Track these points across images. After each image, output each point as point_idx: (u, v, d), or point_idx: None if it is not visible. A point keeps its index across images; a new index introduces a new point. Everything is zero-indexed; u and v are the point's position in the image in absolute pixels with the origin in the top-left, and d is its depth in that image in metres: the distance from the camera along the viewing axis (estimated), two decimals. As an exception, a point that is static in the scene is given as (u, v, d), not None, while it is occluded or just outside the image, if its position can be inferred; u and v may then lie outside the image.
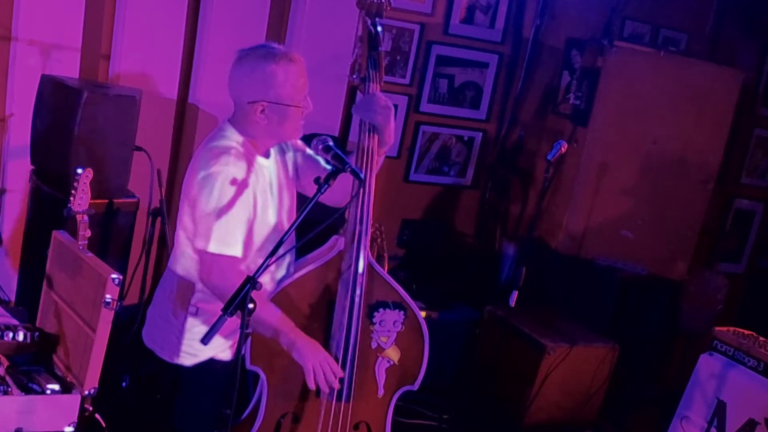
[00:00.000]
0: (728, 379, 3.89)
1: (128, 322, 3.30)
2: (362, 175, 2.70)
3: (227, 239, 2.61)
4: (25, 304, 3.41)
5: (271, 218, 2.77)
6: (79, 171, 2.83)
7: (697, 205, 5.21)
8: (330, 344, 2.79)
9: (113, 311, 2.62)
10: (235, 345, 2.69)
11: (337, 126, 4.95)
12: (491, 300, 4.89)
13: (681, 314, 5.04)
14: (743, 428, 3.80)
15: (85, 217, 2.83)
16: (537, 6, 5.33)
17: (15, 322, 2.91)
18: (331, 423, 2.85)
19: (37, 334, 2.81)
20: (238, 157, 2.64)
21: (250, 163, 2.67)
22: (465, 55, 5.33)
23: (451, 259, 5.51)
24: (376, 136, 2.80)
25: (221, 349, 2.78)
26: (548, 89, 5.38)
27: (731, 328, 4.03)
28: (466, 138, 5.52)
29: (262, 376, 2.79)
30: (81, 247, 2.80)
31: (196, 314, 2.75)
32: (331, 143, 2.62)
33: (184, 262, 2.77)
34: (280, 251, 2.48)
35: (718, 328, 4.05)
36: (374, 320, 2.86)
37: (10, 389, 2.59)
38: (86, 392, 2.67)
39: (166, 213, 3.74)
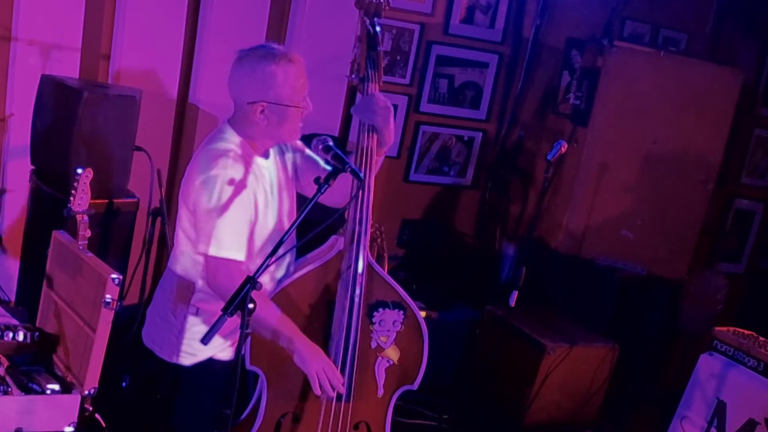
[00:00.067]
0: (728, 379, 3.89)
1: (128, 322, 3.29)
2: (362, 175, 2.70)
3: (230, 242, 2.62)
4: (25, 304, 3.41)
5: (271, 219, 2.77)
6: (79, 171, 2.83)
7: (697, 205, 5.21)
8: (330, 344, 2.80)
9: (113, 311, 2.62)
10: (235, 345, 2.70)
11: (337, 126, 4.95)
12: (491, 300, 4.89)
13: (681, 314, 5.04)
14: (743, 428, 3.80)
15: (85, 217, 2.83)
16: (537, 6, 5.33)
17: (15, 322, 2.91)
18: (331, 423, 2.85)
19: (37, 334, 2.81)
20: (236, 160, 2.64)
21: (249, 165, 2.67)
22: (465, 55, 5.33)
23: (451, 259, 5.51)
24: (375, 136, 2.80)
25: (220, 348, 2.78)
26: (548, 89, 5.39)
27: (731, 328, 4.03)
28: (466, 138, 5.52)
29: (262, 376, 2.79)
30: (81, 247, 2.80)
31: (195, 314, 2.75)
32: (330, 143, 2.62)
33: (183, 262, 2.77)
34: (280, 251, 2.48)
35: (718, 328, 4.05)
36: (374, 320, 2.86)
37: (10, 389, 2.59)
38: (86, 392, 2.67)
39: (166, 213, 3.73)
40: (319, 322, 2.80)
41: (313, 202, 2.44)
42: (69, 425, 2.66)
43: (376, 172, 2.84)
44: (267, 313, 2.63)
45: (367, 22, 2.82)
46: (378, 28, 2.83)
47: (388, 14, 2.88)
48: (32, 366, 2.76)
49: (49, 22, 4.13)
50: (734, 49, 5.54)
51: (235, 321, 2.33)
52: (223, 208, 2.59)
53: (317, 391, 2.70)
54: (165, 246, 3.80)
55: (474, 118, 5.49)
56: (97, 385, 2.68)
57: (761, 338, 3.94)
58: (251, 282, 2.30)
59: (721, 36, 5.55)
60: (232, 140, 2.69)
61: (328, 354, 2.77)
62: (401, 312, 2.89)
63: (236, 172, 2.62)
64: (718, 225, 5.87)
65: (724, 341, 3.96)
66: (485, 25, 5.34)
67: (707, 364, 4.00)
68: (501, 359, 4.58)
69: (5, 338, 2.73)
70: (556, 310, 4.97)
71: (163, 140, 4.53)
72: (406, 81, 5.21)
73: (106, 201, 3.72)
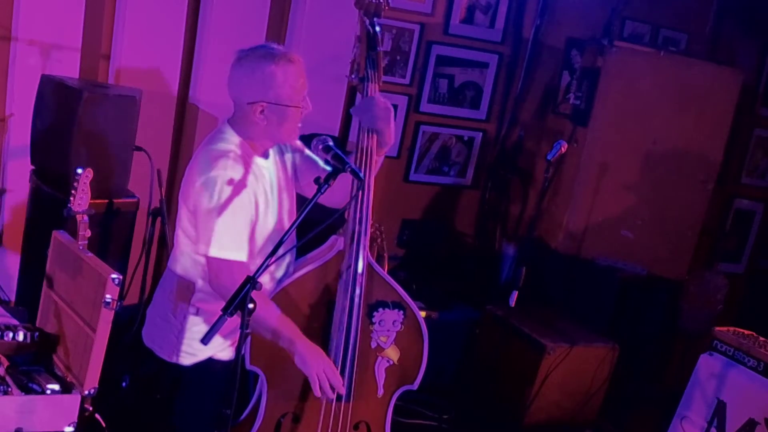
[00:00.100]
0: (728, 379, 3.89)
1: (128, 322, 3.29)
2: (362, 175, 2.70)
3: (232, 243, 2.62)
4: (25, 304, 3.41)
5: (271, 219, 2.77)
6: (79, 171, 2.83)
7: (697, 205, 5.21)
8: (330, 344, 2.80)
9: (113, 311, 2.62)
10: (235, 344, 2.70)
11: (337, 126, 4.95)
12: (491, 300, 4.89)
13: (681, 314, 5.04)
14: (743, 428, 3.80)
15: (85, 217, 2.83)
16: (537, 6, 5.33)
17: (15, 322, 2.91)
18: (331, 423, 2.85)
19: (37, 334, 2.81)
20: (236, 161, 2.64)
21: (248, 165, 2.67)
22: (465, 55, 5.33)
23: (451, 259, 5.51)
24: (375, 136, 2.80)
25: (220, 348, 2.78)
26: (548, 89, 5.39)
27: (731, 328, 4.03)
28: (466, 138, 5.52)
29: (262, 376, 2.79)
30: (81, 247, 2.80)
31: (196, 314, 2.76)
32: (330, 143, 2.62)
33: (183, 261, 2.77)
34: (280, 251, 2.48)
35: (718, 328, 4.05)
36: (374, 320, 2.86)
37: (10, 389, 2.59)
38: (86, 392, 2.67)
39: (166, 213, 3.73)
40: (319, 322, 2.80)
41: (313, 202, 2.44)
42: (69, 425, 2.66)
43: (376, 172, 2.84)
44: (267, 313, 2.63)
45: (367, 22, 2.82)
46: (378, 28, 2.83)
47: (387, 14, 2.88)
48: (32, 366, 2.76)
49: (49, 22, 4.13)
50: (734, 49, 5.54)
51: (235, 321, 2.33)
52: (224, 208, 2.59)
53: (317, 393, 2.70)
54: (165, 246, 3.80)
55: (474, 118, 5.49)
56: (97, 385, 2.68)
57: (761, 338, 3.94)
58: (251, 282, 2.30)
59: (721, 36, 5.55)
60: (231, 140, 2.69)
61: (328, 354, 2.76)
62: (401, 312, 2.89)
63: (236, 172, 2.62)
64: (718, 225, 5.87)
65: (724, 341, 3.96)
66: (485, 25, 5.34)
67: (707, 364, 4.00)
68: (501, 359, 4.58)
69: (5, 338, 2.73)
70: (556, 310, 4.97)
71: (163, 140, 4.53)
72: (406, 81, 5.21)
73: (106, 201, 3.72)
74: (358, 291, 2.78)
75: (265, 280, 2.69)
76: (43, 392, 2.63)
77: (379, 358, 2.91)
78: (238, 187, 2.61)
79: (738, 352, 3.90)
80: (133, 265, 3.78)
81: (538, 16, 5.35)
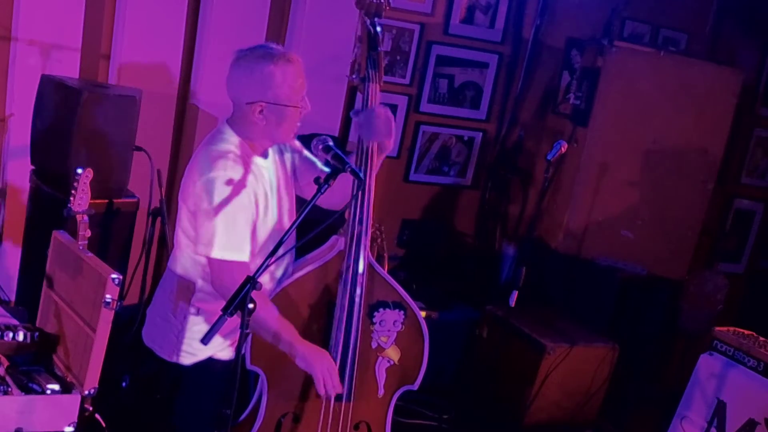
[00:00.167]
0: (728, 379, 3.89)
1: (128, 322, 3.29)
2: (362, 175, 2.70)
3: (233, 244, 2.62)
4: (25, 304, 3.40)
5: (271, 218, 2.77)
6: (79, 171, 2.83)
7: (697, 205, 5.20)
8: (330, 344, 2.80)
9: (113, 311, 2.62)
10: (235, 344, 2.70)
11: (337, 126, 4.95)
12: (491, 300, 4.89)
13: (681, 314, 5.04)
14: (743, 428, 3.80)
15: (85, 217, 2.83)
16: (537, 6, 5.33)
17: (15, 322, 2.91)
18: (331, 423, 2.85)
19: (37, 334, 2.81)
20: (236, 161, 2.64)
21: (248, 165, 2.67)
22: (465, 55, 5.33)
23: (451, 259, 5.51)
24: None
25: (220, 348, 2.78)
26: (548, 89, 5.38)
27: (731, 328, 4.02)
28: (466, 138, 5.52)
29: (263, 375, 2.79)
30: (81, 247, 2.80)
31: (196, 314, 2.76)
32: (331, 143, 2.62)
33: (183, 262, 2.77)
34: (280, 251, 2.48)
35: (718, 328, 4.05)
36: (374, 320, 2.86)
37: (10, 389, 2.59)
38: (86, 392, 2.67)
39: (166, 213, 3.74)
40: (319, 323, 2.80)
41: (314, 201, 2.44)
42: (69, 425, 2.66)
43: (376, 172, 2.83)
44: (267, 314, 2.63)
45: (368, 22, 2.82)
46: (379, 28, 2.83)
47: (387, 14, 2.88)
48: (32, 366, 2.76)
49: (49, 22, 4.13)
50: (734, 49, 5.54)
51: (235, 321, 2.33)
52: (225, 210, 2.59)
53: (322, 392, 2.71)
54: (165, 246, 3.80)
55: (474, 118, 5.49)
56: (97, 385, 2.68)
57: (761, 338, 3.94)
58: (251, 282, 2.30)
59: (721, 36, 5.55)
60: (231, 141, 2.69)
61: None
62: (402, 312, 2.89)
63: (236, 173, 2.62)
64: (718, 225, 5.86)
65: (724, 341, 3.96)
66: (485, 25, 5.34)
67: (707, 364, 4.00)
68: (501, 359, 4.58)
69: (5, 338, 2.73)
70: (556, 310, 4.97)
71: (163, 140, 4.53)
72: (406, 81, 5.21)
73: (106, 201, 3.71)
74: (358, 291, 2.78)
75: (265, 279, 2.69)
76: (43, 392, 2.62)
77: (380, 358, 2.91)
78: (238, 187, 2.61)
79: (738, 352, 3.90)
80: (133, 265, 3.78)
81: (538, 16, 5.35)
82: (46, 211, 3.68)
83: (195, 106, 4.61)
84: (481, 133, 5.54)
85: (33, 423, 2.59)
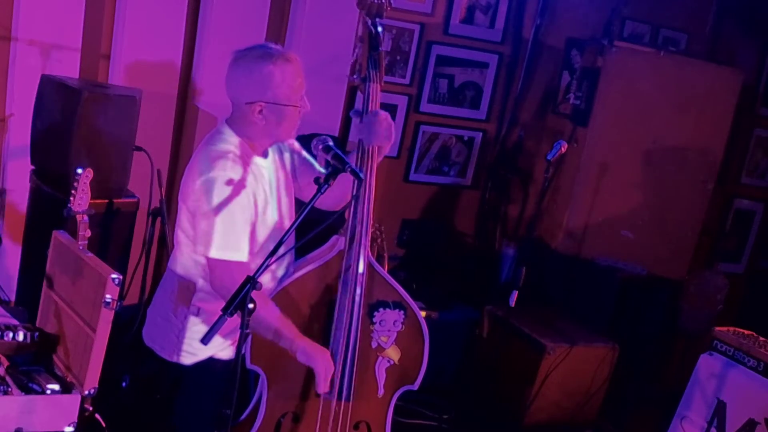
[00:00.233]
0: (728, 379, 3.89)
1: (128, 322, 3.29)
2: (362, 175, 2.70)
3: (232, 244, 2.62)
4: (25, 304, 3.40)
5: (270, 218, 2.77)
6: (79, 171, 2.83)
7: (697, 205, 5.21)
8: (330, 344, 2.79)
9: (113, 311, 2.62)
10: (235, 344, 2.70)
11: (337, 126, 4.95)
12: (491, 300, 4.89)
13: (681, 314, 5.04)
14: (743, 428, 3.80)
15: (85, 217, 2.83)
16: (537, 6, 5.33)
17: (15, 322, 2.91)
18: (331, 422, 2.85)
19: (37, 334, 2.81)
20: (235, 161, 2.64)
21: (248, 165, 2.67)
22: (465, 55, 5.33)
23: (451, 259, 5.51)
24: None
25: (221, 348, 2.78)
26: (548, 89, 5.38)
27: (731, 328, 4.03)
28: (466, 138, 5.52)
29: (263, 375, 2.79)
30: (81, 247, 2.80)
31: (196, 314, 2.75)
32: (330, 143, 2.62)
33: (184, 261, 2.77)
34: (280, 251, 2.48)
35: (718, 328, 4.05)
36: (374, 320, 2.86)
37: (10, 389, 2.59)
38: (86, 392, 2.67)
39: (166, 213, 3.74)
40: (319, 322, 2.80)
41: (314, 201, 2.44)
42: (69, 425, 2.65)
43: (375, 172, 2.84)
44: (267, 313, 2.63)
45: (369, 22, 2.82)
46: (380, 29, 2.83)
47: (387, 14, 2.87)
48: (32, 366, 2.76)
49: (49, 22, 4.12)
50: (734, 49, 5.54)
51: (235, 320, 2.33)
52: (225, 209, 2.59)
53: (325, 388, 2.71)
54: (165, 246, 3.80)
55: (474, 118, 5.49)
56: (97, 385, 2.68)
57: (761, 338, 3.94)
58: (251, 282, 2.30)
59: (721, 36, 5.55)
60: (230, 141, 2.69)
61: (328, 354, 2.77)
62: (402, 312, 2.89)
63: (235, 173, 2.62)
64: (718, 225, 5.87)
65: (724, 341, 3.96)
66: (485, 25, 5.34)
67: (707, 364, 4.00)
68: (501, 359, 4.58)
69: (5, 338, 2.73)
70: (556, 310, 4.97)
71: (163, 140, 4.53)
72: (406, 81, 5.21)
73: (106, 201, 3.71)
74: (358, 291, 2.78)
75: (265, 279, 2.69)
76: (43, 392, 2.62)
77: (380, 358, 2.91)
78: (238, 187, 2.61)
79: (738, 352, 3.90)
80: (133, 265, 3.78)
81: (538, 16, 5.35)
82: (46, 211, 3.68)
83: (195, 106, 4.61)
84: (481, 133, 5.54)
85: (33, 423, 2.59)
